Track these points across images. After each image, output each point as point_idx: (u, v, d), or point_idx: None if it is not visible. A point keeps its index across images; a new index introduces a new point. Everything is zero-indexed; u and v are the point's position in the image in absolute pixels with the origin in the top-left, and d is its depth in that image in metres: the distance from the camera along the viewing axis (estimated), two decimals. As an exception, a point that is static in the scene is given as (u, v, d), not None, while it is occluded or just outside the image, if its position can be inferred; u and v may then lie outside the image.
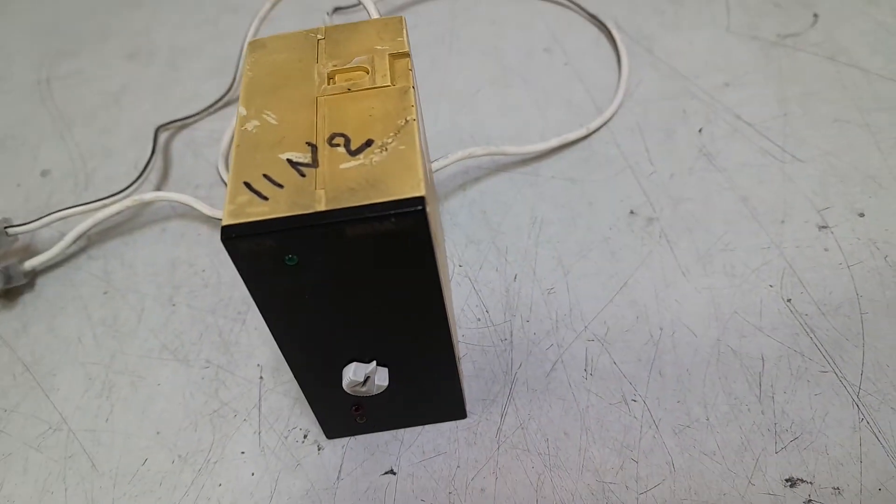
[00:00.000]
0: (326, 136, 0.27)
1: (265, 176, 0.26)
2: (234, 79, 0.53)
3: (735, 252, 0.40)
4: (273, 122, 0.28)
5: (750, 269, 0.39)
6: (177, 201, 0.44)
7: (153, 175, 0.49)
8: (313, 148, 0.27)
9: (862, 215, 0.41)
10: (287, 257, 0.25)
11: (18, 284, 0.43)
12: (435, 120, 0.50)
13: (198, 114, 0.52)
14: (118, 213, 0.44)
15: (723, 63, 0.50)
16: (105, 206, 0.44)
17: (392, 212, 0.24)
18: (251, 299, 0.41)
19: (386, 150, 0.26)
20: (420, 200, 0.25)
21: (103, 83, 0.57)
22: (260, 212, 0.25)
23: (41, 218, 0.43)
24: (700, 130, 0.46)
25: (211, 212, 0.43)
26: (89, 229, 0.44)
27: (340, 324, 0.29)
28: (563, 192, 0.44)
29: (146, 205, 0.47)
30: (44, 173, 0.51)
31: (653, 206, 0.43)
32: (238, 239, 0.25)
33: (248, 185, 0.26)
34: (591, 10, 0.55)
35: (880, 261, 0.39)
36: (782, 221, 0.41)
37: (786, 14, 0.53)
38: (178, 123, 0.52)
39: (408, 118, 0.27)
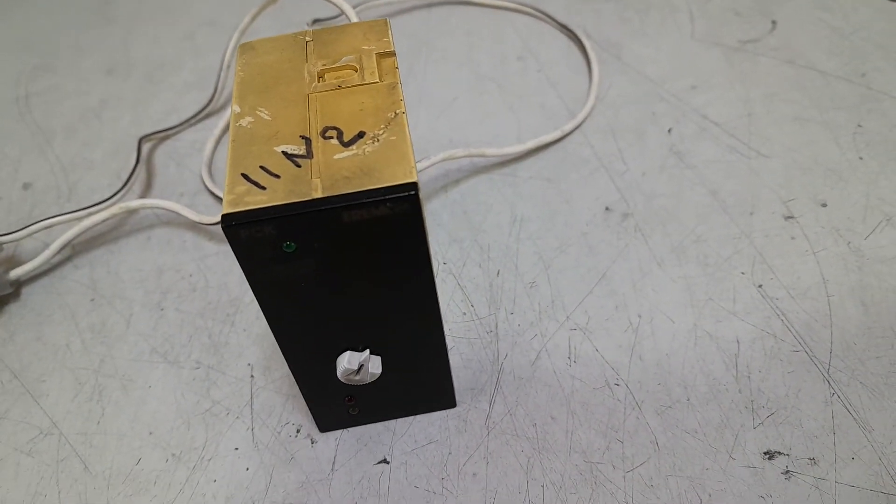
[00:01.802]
0: (319, 130, 0.28)
1: (262, 167, 0.27)
2: (215, 90, 0.54)
3: (707, 243, 0.42)
4: (267, 117, 0.29)
5: (722, 258, 0.41)
6: (162, 208, 0.44)
7: (137, 185, 0.50)
8: (307, 141, 0.28)
9: (825, 205, 0.43)
10: (285, 244, 0.26)
11: (4, 294, 0.43)
12: (415, 126, 0.51)
13: (180, 125, 0.53)
14: (104, 222, 0.45)
15: (688, 68, 0.53)
16: (90, 214, 0.44)
17: (387, 197, 0.26)
18: (239, 302, 0.42)
19: (378, 140, 0.28)
20: (413, 186, 0.26)
21: (82, 98, 0.57)
22: (258, 200, 0.26)
23: (26, 227, 0.44)
24: (669, 131, 0.48)
25: (196, 217, 0.44)
26: (75, 238, 0.44)
27: (336, 312, 0.29)
28: (540, 192, 0.46)
29: (131, 213, 0.47)
30: (25, 186, 0.51)
31: (627, 202, 0.44)
32: (238, 226, 0.25)
33: (245, 176, 0.27)
34: (561, 20, 0.57)
35: (843, 247, 0.41)
36: (751, 213, 0.43)
37: (746, 22, 0.56)
38: (161, 134, 0.52)
39: (397, 111, 0.29)
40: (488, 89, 0.53)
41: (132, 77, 0.59)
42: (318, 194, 0.26)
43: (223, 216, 0.26)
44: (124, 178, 0.50)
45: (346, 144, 0.27)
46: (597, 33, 0.56)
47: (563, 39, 0.56)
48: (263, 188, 0.26)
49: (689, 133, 0.48)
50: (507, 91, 0.53)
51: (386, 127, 0.28)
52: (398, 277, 0.29)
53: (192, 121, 0.53)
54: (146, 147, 0.52)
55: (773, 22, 0.55)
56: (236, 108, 0.30)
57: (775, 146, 0.46)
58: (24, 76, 0.60)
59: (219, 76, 0.54)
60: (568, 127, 0.48)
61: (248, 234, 0.26)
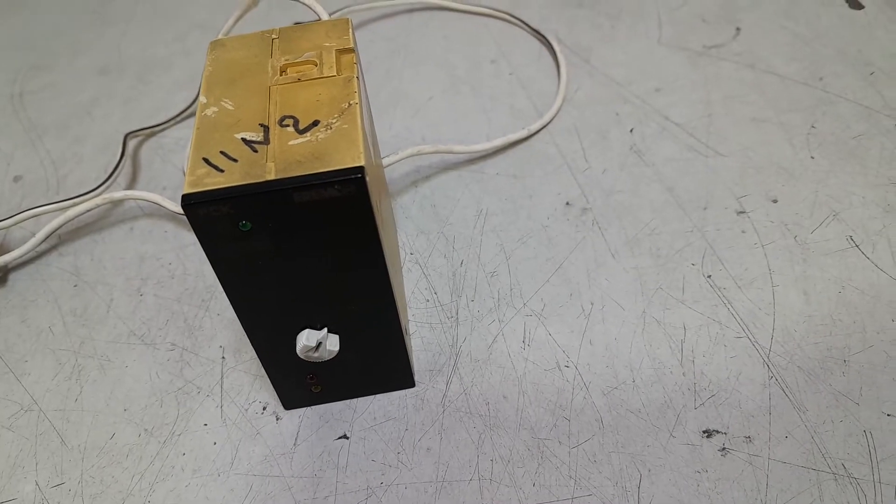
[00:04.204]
0: (277, 119, 0.30)
1: (222, 152, 0.29)
2: (200, 90, 0.56)
3: (661, 236, 0.44)
4: (230, 107, 0.31)
5: (674, 250, 0.43)
6: (145, 199, 0.47)
7: (122, 179, 0.52)
8: (265, 128, 0.30)
9: (775, 201, 0.45)
10: (241, 223, 0.28)
11: (-8, 279, 0.45)
12: (390, 125, 0.53)
13: (166, 122, 0.55)
14: (88, 212, 0.47)
15: (654, 71, 0.55)
16: (76, 204, 0.47)
17: (335, 179, 0.28)
18: (214, 289, 0.44)
19: (331, 128, 0.30)
20: (360, 170, 0.28)
21: (75, 96, 0.60)
22: (216, 182, 0.28)
23: (14, 215, 0.46)
24: (631, 130, 0.50)
25: (177, 208, 0.46)
26: (60, 227, 0.47)
27: (293, 291, 0.31)
28: (506, 187, 0.48)
29: (115, 205, 0.49)
30: (16, 179, 0.53)
31: (587, 197, 0.46)
32: (197, 205, 0.28)
33: (206, 160, 0.29)
34: (535, 26, 0.59)
35: (790, 240, 0.43)
36: (704, 208, 0.45)
37: (711, 28, 0.58)
38: (147, 131, 0.55)
39: (351, 102, 0.31)
40: (462, 91, 0.55)
41: (124, 77, 0.61)
42: (272, 176, 0.28)
43: (183, 196, 0.28)
44: (109, 174, 0.52)
45: (301, 132, 0.30)
46: (568, 38, 0.58)
47: (535, 44, 0.59)
48: (222, 171, 0.28)
49: (650, 133, 0.50)
50: (480, 92, 0.55)
51: (339, 116, 0.30)
52: (349, 258, 0.31)
53: (178, 119, 0.56)
54: (133, 143, 0.54)
55: (738, 28, 0.57)
56: (203, 99, 0.32)
57: (732, 145, 0.48)
58: (20, 75, 0.63)
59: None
60: (535, 126, 0.50)
61: (205, 212, 0.28)
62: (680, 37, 0.57)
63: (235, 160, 0.29)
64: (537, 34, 0.59)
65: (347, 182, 0.28)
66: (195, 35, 0.65)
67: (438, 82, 0.56)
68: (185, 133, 0.55)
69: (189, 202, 0.27)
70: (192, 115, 0.56)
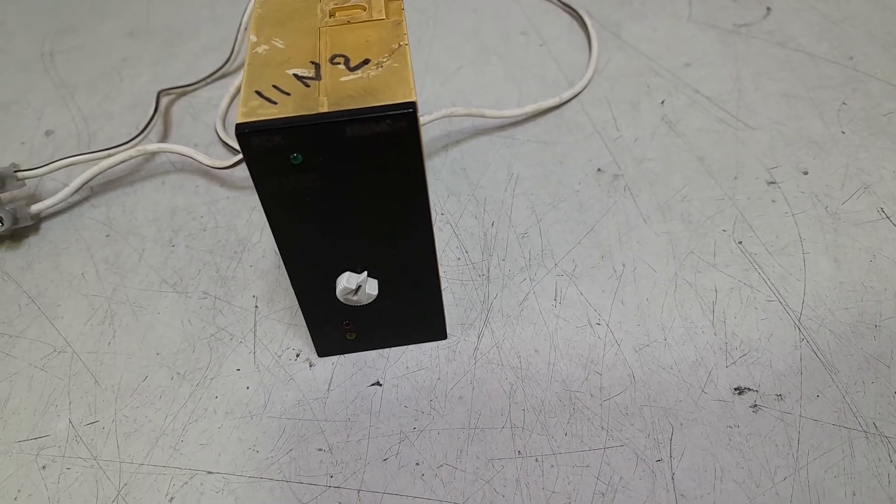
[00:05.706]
0: (328, 57, 0.31)
1: (274, 86, 0.29)
2: (232, 52, 0.56)
3: (692, 202, 0.44)
4: (281, 46, 0.31)
5: (705, 216, 0.43)
6: (178, 152, 0.47)
7: (153, 135, 0.52)
8: (316, 66, 0.30)
9: (806, 173, 0.45)
10: (292, 156, 0.29)
11: (25, 225, 0.45)
12: (420, 91, 0.54)
13: (197, 83, 0.55)
14: (121, 164, 0.47)
15: (684, 47, 0.55)
16: (110, 155, 0.47)
17: (387, 113, 0.28)
18: (247, 241, 0.44)
19: (381, 66, 0.30)
20: (412, 104, 0.28)
21: (104, 57, 0.60)
22: (270, 113, 0.28)
23: (49, 164, 0.46)
24: (662, 102, 0.51)
25: (209, 161, 0.46)
26: (93, 177, 0.47)
27: (338, 229, 0.32)
28: (537, 153, 0.48)
29: (147, 159, 0.50)
30: (47, 133, 0.53)
31: (618, 164, 0.47)
32: (250, 134, 0.28)
33: (259, 93, 0.29)
34: (565, 0, 0.59)
35: (821, 210, 0.43)
36: (735, 178, 0.45)
37: (741, 7, 0.58)
38: (179, 90, 0.55)
39: (401, 43, 0.31)
40: (492, 61, 0.56)
41: (152, 40, 0.61)
42: (325, 109, 0.28)
43: (237, 125, 0.28)
44: (142, 128, 0.52)
45: (353, 69, 0.30)
46: (598, 13, 0.59)
47: (565, 18, 0.59)
48: (275, 103, 0.29)
49: (680, 105, 0.50)
50: (510, 63, 0.55)
51: (390, 56, 0.30)
52: (395, 197, 0.31)
53: (209, 80, 0.56)
54: (164, 101, 0.55)
55: (768, 8, 0.58)
56: (253, 38, 0.32)
57: (762, 119, 0.49)
58: (49, 35, 0.63)
59: (236, 39, 0.56)
60: (566, 95, 0.51)
61: (258, 142, 0.28)
62: (709, 15, 0.58)
63: (288, 94, 0.29)
64: (568, 8, 0.59)
65: (399, 117, 0.28)
66: (223, 3, 0.65)
67: (468, 53, 0.57)
68: (216, 94, 0.55)
69: (243, 131, 0.28)
70: (222, 77, 0.57)
